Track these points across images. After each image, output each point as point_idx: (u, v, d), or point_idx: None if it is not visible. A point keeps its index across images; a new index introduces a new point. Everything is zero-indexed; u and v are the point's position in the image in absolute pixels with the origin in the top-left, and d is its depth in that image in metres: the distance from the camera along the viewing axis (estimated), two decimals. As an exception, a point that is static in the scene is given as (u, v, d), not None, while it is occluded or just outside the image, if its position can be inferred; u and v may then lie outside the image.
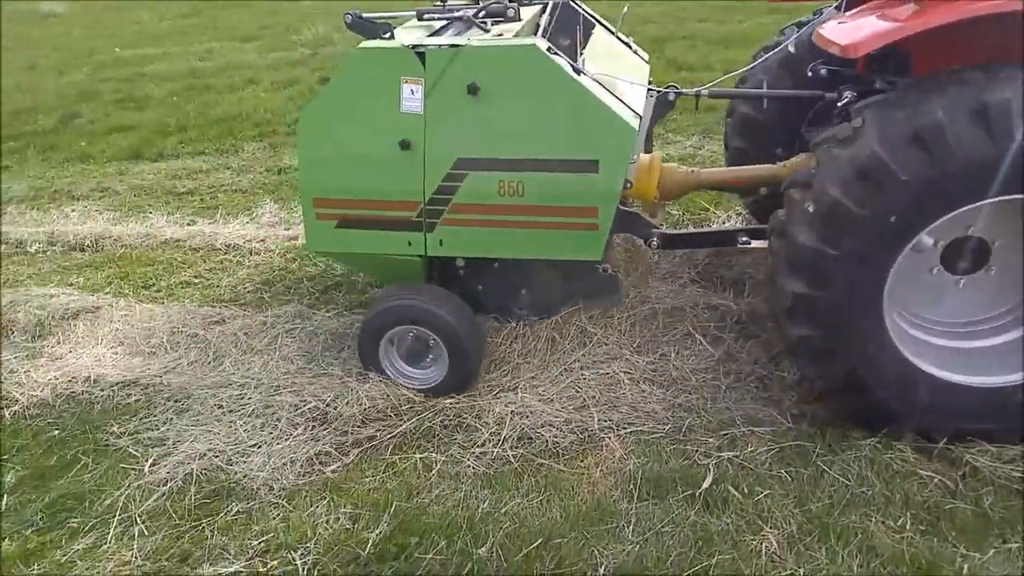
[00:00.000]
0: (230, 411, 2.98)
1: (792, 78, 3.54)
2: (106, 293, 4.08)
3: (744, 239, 3.24)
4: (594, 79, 2.93)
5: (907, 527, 2.39)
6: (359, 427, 2.89)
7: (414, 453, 2.82)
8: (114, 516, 2.57)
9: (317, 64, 9.90)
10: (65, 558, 2.47)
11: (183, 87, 9.18)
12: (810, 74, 3.33)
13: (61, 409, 3.17)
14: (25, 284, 4.31)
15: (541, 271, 3.31)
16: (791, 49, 3.53)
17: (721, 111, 4.88)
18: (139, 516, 2.47)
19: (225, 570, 2.26)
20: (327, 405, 2.99)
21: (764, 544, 2.37)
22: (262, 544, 2.37)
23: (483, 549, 2.40)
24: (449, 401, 3.05)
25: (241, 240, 4.70)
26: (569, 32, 3.55)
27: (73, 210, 5.36)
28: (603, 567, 2.33)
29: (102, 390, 3.14)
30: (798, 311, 2.58)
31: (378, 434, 2.87)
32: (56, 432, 3.04)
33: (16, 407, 3.20)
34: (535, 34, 3.06)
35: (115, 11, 16.66)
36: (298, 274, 4.28)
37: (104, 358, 3.37)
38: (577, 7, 3.82)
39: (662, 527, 2.47)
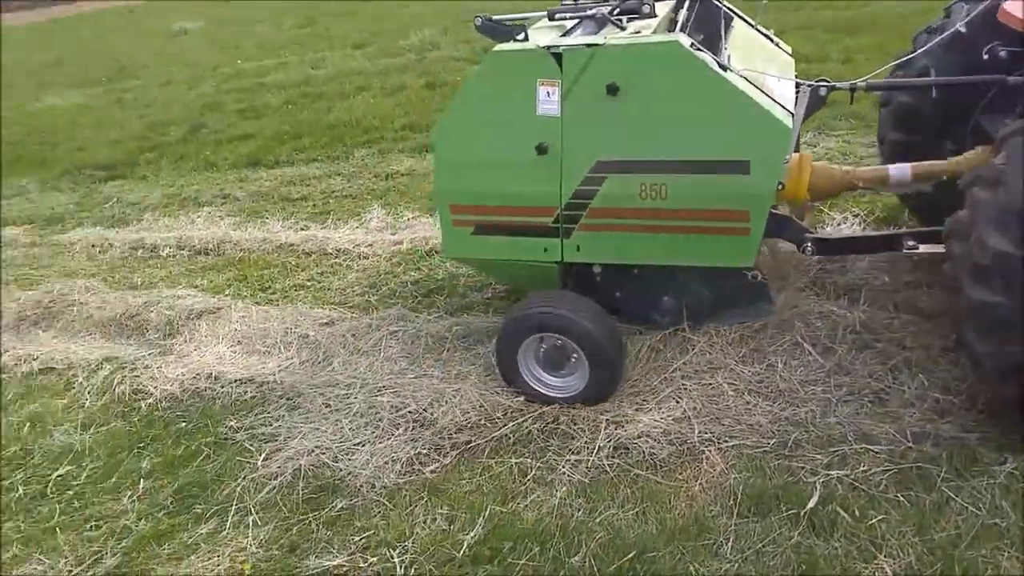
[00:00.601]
0: (336, 410, 3.13)
1: (961, 63, 3.19)
2: (226, 295, 4.38)
3: (911, 243, 3.02)
4: (741, 75, 2.81)
5: (1045, 564, 2.18)
6: (457, 432, 2.95)
7: (510, 458, 2.85)
8: (232, 505, 2.77)
9: (424, 68, 10.18)
10: (191, 540, 2.68)
11: (298, 95, 9.69)
12: (986, 56, 3.04)
13: (187, 403, 3.44)
14: (157, 286, 4.71)
15: (684, 278, 3.16)
16: (961, 30, 3.18)
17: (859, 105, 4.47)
18: (253, 507, 2.65)
19: (329, 563, 2.38)
20: (427, 408, 3.08)
21: (877, 573, 2.23)
22: (363, 540, 2.48)
23: (576, 558, 2.39)
24: (547, 408, 3.05)
25: (350, 245, 4.91)
26: (708, 26, 3.43)
27: (199, 216, 5.79)
28: (699, 584, 2.27)
29: (222, 386, 3.40)
30: (984, 320, 2.37)
31: (474, 438, 2.92)
32: (183, 424, 3.31)
33: (150, 399, 3.50)
34: (673, 30, 2.97)
35: (238, 24, 17.83)
36: (402, 278, 4.43)
37: (224, 356, 3.64)
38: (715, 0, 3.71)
39: (763, 546, 2.38)
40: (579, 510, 2.60)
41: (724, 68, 2.73)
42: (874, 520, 2.39)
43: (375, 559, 2.39)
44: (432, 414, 3.04)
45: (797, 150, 3.22)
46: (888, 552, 2.29)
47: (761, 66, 3.00)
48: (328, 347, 3.61)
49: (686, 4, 3.37)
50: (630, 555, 2.38)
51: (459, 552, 2.42)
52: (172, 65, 13.72)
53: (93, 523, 2.85)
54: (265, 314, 3.99)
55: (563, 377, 3.09)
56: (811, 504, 2.47)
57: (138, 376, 3.69)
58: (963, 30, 3.14)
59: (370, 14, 15.99)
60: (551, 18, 3.32)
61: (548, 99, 2.84)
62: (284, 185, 6.35)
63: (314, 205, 5.84)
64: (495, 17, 3.20)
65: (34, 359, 4.03)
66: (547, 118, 2.85)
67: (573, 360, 3.03)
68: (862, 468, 2.60)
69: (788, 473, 2.64)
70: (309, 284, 4.43)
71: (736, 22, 3.68)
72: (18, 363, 4.04)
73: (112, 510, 2.90)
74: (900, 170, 3.17)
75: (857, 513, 2.43)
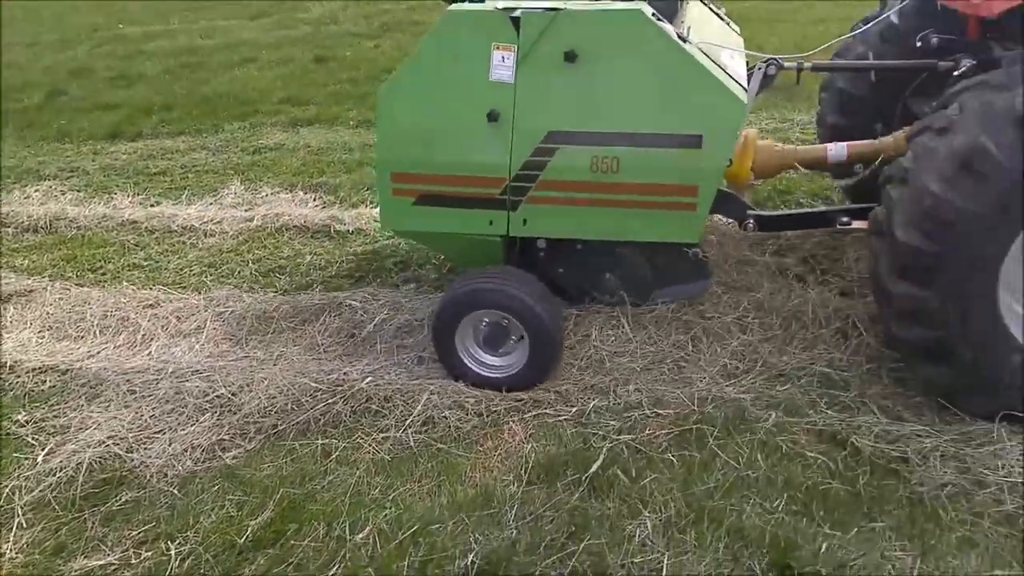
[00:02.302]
0: (141, 397, 3.04)
1: (895, 49, 3.38)
2: (45, 276, 4.14)
3: (844, 220, 3.13)
4: (700, 48, 2.79)
5: (780, 509, 2.34)
6: (263, 416, 2.91)
7: (317, 439, 2.84)
8: (-4, 509, 2.56)
9: (317, 42, 9.85)
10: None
11: (178, 64, 9.24)
12: (919, 44, 3.20)
13: (-30, 398, 3.17)
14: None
15: (627, 254, 3.15)
16: (894, 19, 3.38)
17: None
18: (22, 508, 2.53)
19: (96, 563, 2.30)
20: (237, 392, 3.03)
21: (639, 529, 2.34)
22: (141, 535, 2.42)
23: (360, 536, 2.42)
24: (360, 387, 3.05)
25: (198, 222, 4.75)
26: (666, 1, 3.41)
27: (37, 190, 5.42)
28: (474, 553, 2.33)
29: (18, 377, 3.22)
30: (902, 309, 2.51)
31: (280, 422, 2.90)
32: (-40, 421, 3.06)
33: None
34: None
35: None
36: (246, 256, 4.32)
37: (28, 343, 3.46)
38: None
39: (543, 511, 2.46)
40: (376, 488, 2.62)
41: (684, 40, 2.73)
42: (647, 480, 2.51)
43: (149, 554, 2.34)
44: (241, 399, 3.00)
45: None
46: (653, 508, 2.41)
47: (715, 43, 3.01)
48: (148, 330, 3.50)
49: None
50: (413, 528, 2.42)
51: (242, 538, 2.40)
52: (42, 25, 12.81)
53: None
54: (85, 296, 3.82)
55: (502, 356, 3.02)
56: (593, 468, 2.57)
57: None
58: (895, 20, 3.34)
59: None
60: None
61: (502, 64, 2.78)
62: (143, 159, 6.07)
63: (171, 180, 5.60)
64: None
65: None
66: (500, 84, 2.79)
67: (513, 340, 2.97)
68: (647, 432, 2.71)
69: (581, 440, 2.73)
70: (145, 264, 4.27)
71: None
72: None
73: None
74: (837, 149, 3.29)
75: (634, 474, 2.54)
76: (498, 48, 2.75)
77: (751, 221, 3.15)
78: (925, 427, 2.62)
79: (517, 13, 2.74)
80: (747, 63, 3.16)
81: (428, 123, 2.90)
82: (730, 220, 3.47)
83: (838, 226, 3.14)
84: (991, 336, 2.45)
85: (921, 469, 2.46)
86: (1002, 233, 2.34)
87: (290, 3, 12.75)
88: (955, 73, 2.91)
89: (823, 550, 2.21)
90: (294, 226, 4.64)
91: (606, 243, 3.07)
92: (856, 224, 3.10)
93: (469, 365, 3.02)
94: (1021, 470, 2.40)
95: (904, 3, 3.30)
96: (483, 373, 3.02)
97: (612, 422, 2.78)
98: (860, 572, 2.15)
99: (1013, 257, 2.37)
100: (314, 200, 5.00)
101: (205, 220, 4.77)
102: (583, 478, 2.54)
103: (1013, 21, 2.67)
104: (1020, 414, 2.53)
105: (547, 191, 2.87)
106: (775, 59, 3.05)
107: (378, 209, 4.64)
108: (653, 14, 2.72)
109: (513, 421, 2.85)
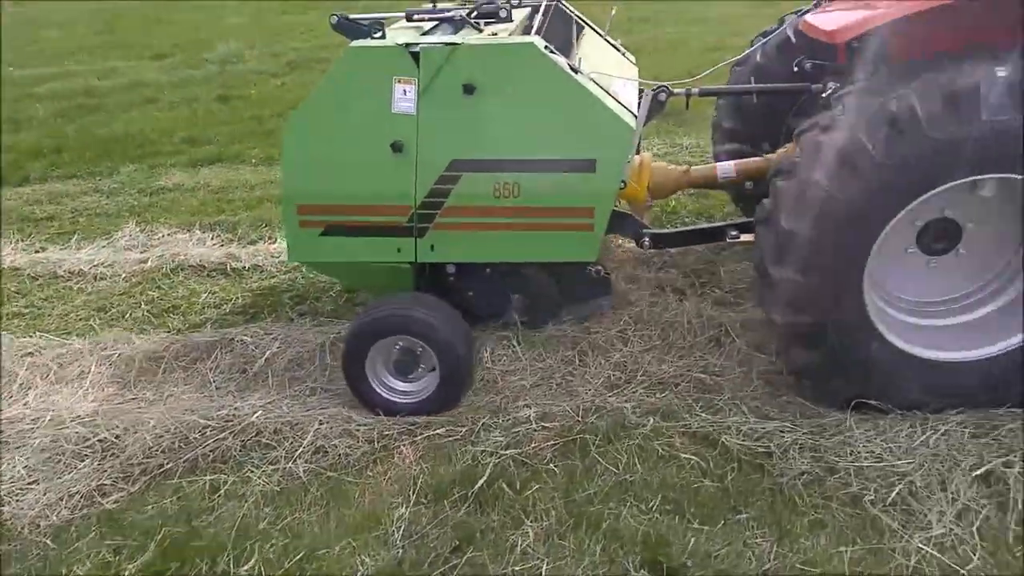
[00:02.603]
0: (15, 448, 2.93)
1: (783, 71, 3.64)
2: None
3: (733, 233, 3.31)
4: (591, 78, 2.95)
5: (654, 509, 2.46)
6: (148, 457, 2.86)
7: (205, 476, 2.80)
8: None
9: (223, 81, 9.76)
10: None
11: (73, 107, 8.95)
12: (796, 69, 3.47)
13: None
14: None
15: (534, 275, 3.28)
16: (791, 38, 3.63)
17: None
18: None
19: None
20: (121, 435, 2.96)
21: (521, 538, 2.42)
22: (9, 586, 2.34)
23: (245, 568, 2.40)
24: (251, 421, 3.03)
25: (88, 266, 4.61)
26: (561, 34, 3.57)
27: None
28: (360, 574, 2.35)
29: None
30: (782, 294, 2.65)
31: (167, 461, 2.85)
32: None
33: None
34: (528, 34, 3.06)
35: (23, 27, 16.14)
36: (138, 298, 4.23)
37: None
38: (567, 9, 3.85)
39: (430, 529, 2.51)
40: (264, 520, 2.60)
41: (575, 71, 2.89)
42: (531, 491, 2.60)
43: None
44: (125, 441, 2.93)
45: (638, 152, 3.46)
46: (535, 517, 2.49)
47: (608, 72, 3.18)
48: (25, 379, 3.37)
49: (541, 11, 3.50)
50: (299, 556, 2.42)
51: (120, 581, 2.35)
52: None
53: None
54: (-45, 349, 3.66)
55: (413, 382, 3.05)
56: (479, 484, 2.64)
57: None
58: (792, 38, 3.59)
59: (184, 23, 15.01)
60: (409, 19, 3.36)
61: (404, 97, 2.88)
62: (28, 204, 5.84)
63: (59, 225, 5.41)
64: (352, 16, 3.18)
65: None
66: (403, 116, 2.89)
67: (422, 368, 3.01)
68: (533, 445, 2.81)
69: (471, 457, 2.80)
70: (27, 311, 4.11)
71: (587, 31, 3.90)
72: None
73: None
74: (726, 168, 3.50)
75: (519, 486, 2.63)
76: (399, 81, 2.88)
77: (647, 239, 3.34)
78: (787, 423, 2.82)
79: (417, 48, 2.87)
80: (640, 90, 3.37)
81: (333, 155, 2.98)
82: (627, 239, 3.66)
83: (728, 239, 3.35)
84: (856, 324, 2.65)
85: (782, 461, 2.64)
86: (871, 225, 2.54)
87: (196, 43, 12.60)
88: (823, 95, 3.17)
89: (691, 544, 2.34)
90: (190, 265, 4.57)
91: (513, 265, 3.21)
92: (744, 237, 3.31)
93: (380, 392, 3.05)
94: (867, 455, 2.61)
95: (796, 21, 3.55)
96: (394, 399, 3.05)
97: (500, 438, 2.86)
98: (724, 562, 2.29)
99: (877, 250, 2.58)
100: (212, 239, 4.94)
101: (95, 264, 4.64)
102: (469, 494, 2.61)
103: (878, 47, 2.89)
104: (872, 401, 2.75)
105: (452, 217, 2.98)
106: (665, 87, 3.27)
107: (276, 244, 4.75)
108: (546, 47, 2.90)
109: (404, 444, 2.90)
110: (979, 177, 2.49)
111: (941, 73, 2.42)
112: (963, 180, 2.48)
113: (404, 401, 3.05)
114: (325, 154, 2.98)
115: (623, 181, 2.95)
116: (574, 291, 3.37)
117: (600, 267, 3.31)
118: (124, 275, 4.51)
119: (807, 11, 3.33)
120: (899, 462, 2.58)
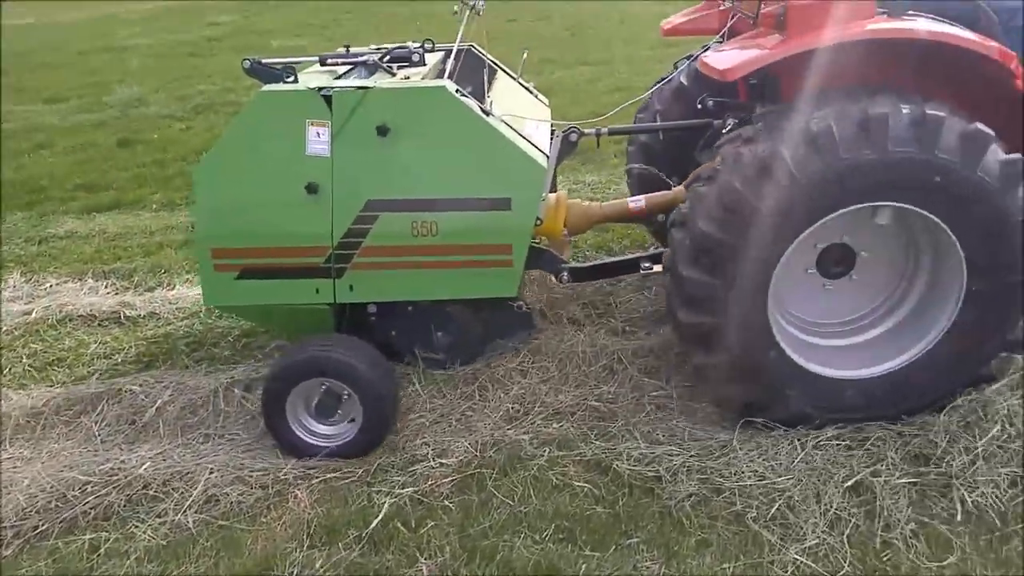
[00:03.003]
0: None
1: (687, 108, 3.80)
2: None
3: (646, 265, 3.40)
4: (502, 120, 3.01)
5: (548, 538, 2.51)
6: (23, 519, 2.70)
7: (85, 535, 2.66)
8: None
9: (124, 126, 9.46)
10: None
11: (-43, 154, 8.49)
12: (700, 106, 3.61)
13: None
14: None
15: (456, 312, 3.29)
16: (683, 81, 3.83)
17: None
18: None
19: None
20: (-9, 494, 2.79)
21: (417, 575, 2.41)
22: None
23: (124, 628, 2.29)
24: (141, 472, 2.91)
25: (-37, 321, 4.35)
26: (474, 77, 3.62)
27: None
28: (247, 626, 2.28)
29: None
30: (692, 297, 2.78)
31: (43, 522, 2.69)
32: None
33: None
34: (441, 78, 3.07)
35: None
36: (20, 352, 4.00)
37: None
38: (480, 53, 3.90)
39: (323, 572, 2.46)
40: (149, 575, 2.50)
41: (487, 113, 2.96)
42: (426, 528, 2.59)
43: None
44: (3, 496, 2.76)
45: (555, 189, 3.53)
46: (429, 554, 2.49)
47: (521, 113, 3.27)
48: None
49: (453, 55, 3.54)
50: (183, 611, 2.33)
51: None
52: None
53: None
54: None
55: (334, 425, 3.00)
56: (374, 524, 2.62)
57: None
58: (684, 81, 3.84)
59: (85, 67, 14.48)
60: (323, 63, 3.37)
61: (318, 139, 2.90)
62: (-102, 260, 5.47)
63: (-66, 281, 5.09)
64: (264, 60, 3.16)
65: None
66: (317, 158, 2.89)
67: (342, 411, 2.98)
68: (430, 482, 2.81)
69: (366, 498, 2.77)
70: None
71: (499, 74, 3.96)
72: None
73: None
74: (636, 202, 3.63)
75: (414, 524, 2.62)
76: (313, 124, 2.91)
77: (565, 273, 3.43)
78: (676, 446, 2.93)
79: (329, 92, 2.91)
80: (552, 131, 3.49)
81: (248, 197, 2.97)
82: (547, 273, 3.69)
83: (641, 271, 3.49)
84: (757, 330, 2.79)
85: (671, 484, 2.74)
86: (782, 236, 2.69)
87: (95, 86, 12.19)
88: (724, 131, 3.36)
89: (582, 571, 2.39)
90: (79, 316, 4.37)
91: (435, 303, 3.23)
92: (656, 268, 3.43)
93: (300, 435, 3.00)
94: (750, 474, 2.74)
95: (689, 65, 3.79)
96: (314, 442, 3.00)
97: (397, 477, 2.85)
98: (614, 585, 2.34)
99: (785, 262, 2.73)
100: (105, 287, 4.75)
101: (-29, 318, 4.38)
102: (363, 535, 2.58)
103: (771, 85, 3.14)
104: (761, 412, 2.89)
105: (371, 256, 2.99)
106: (575, 127, 3.39)
107: (174, 291, 4.61)
108: (457, 90, 2.98)
109: (299, 489, 2.84)
110: (879, 204, 2.70)
111: (855, 103, 2.63)
112: (867, 204, 2.68)
113: (325, 444, 3.00)
114: (239, 197, 2.97)
115: (539, 218, 3.06)
116: (498, 327, 3.44)
117: (521, 302, 3.39)
118: (5, 328, 4.27)
119: (698, 55, 3.55)
120: (779, 479, 2.72)
